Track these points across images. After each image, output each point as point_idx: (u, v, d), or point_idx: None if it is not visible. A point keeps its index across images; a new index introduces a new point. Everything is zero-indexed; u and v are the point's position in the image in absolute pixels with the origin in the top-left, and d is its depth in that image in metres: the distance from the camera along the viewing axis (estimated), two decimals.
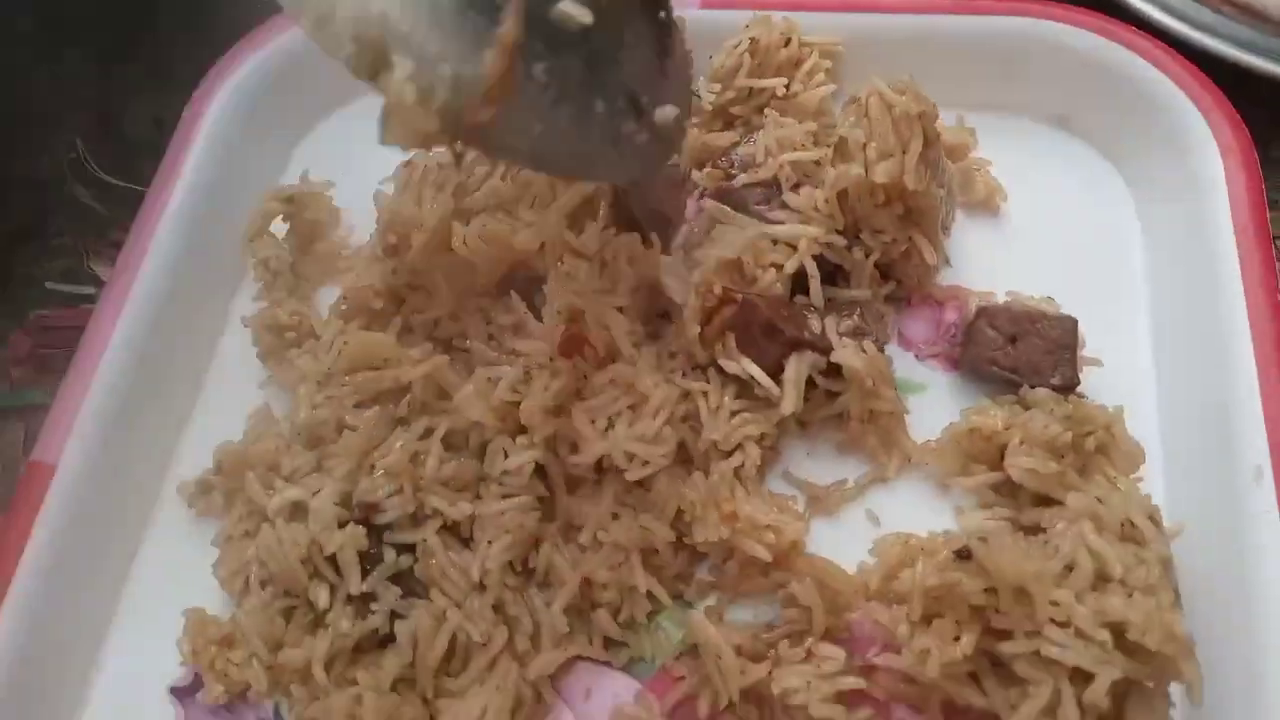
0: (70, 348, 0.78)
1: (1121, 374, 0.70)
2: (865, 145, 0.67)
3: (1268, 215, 0.69)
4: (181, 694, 0.67)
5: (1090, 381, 0.69)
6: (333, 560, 0.63)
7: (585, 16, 0.49)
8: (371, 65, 0.44)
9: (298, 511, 0.65)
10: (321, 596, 0.63)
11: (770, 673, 0.59)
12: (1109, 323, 0.72)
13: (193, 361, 0.78)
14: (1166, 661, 0.53)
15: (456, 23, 0.45)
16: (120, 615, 0.70)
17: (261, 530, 0.66)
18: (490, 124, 0.45)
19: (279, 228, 0.80)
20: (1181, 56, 0.78)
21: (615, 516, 0.64)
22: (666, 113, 0.57)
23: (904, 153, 0.65)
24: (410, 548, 0.64)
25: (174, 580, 0.70)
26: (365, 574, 0.63)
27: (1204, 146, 0.73)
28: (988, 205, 0.79)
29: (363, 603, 0.63)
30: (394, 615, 0.63)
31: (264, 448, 0.70)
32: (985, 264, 0.77)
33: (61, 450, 0.68)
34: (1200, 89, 0.76)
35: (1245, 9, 0.86)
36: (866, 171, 0.66)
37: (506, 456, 0.64)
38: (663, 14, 0.59)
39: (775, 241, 0.70)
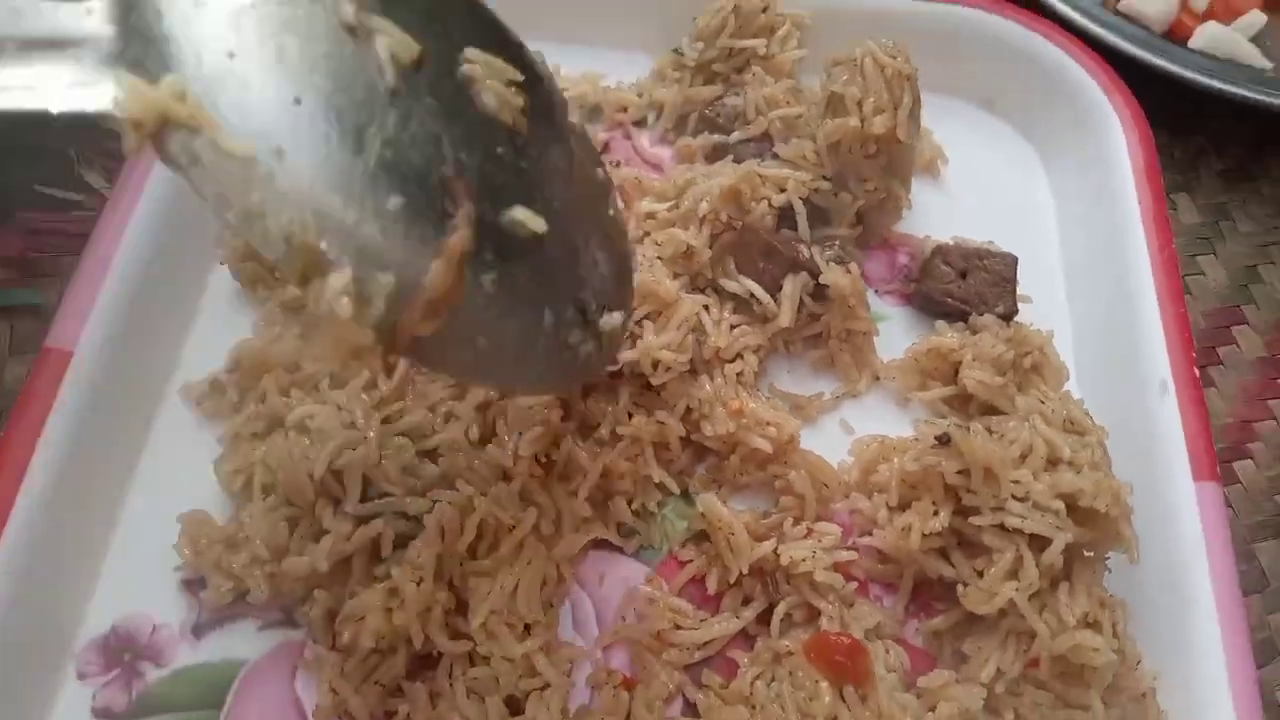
0: (57, 253, 0.78)
1: (1043, 308, 0.82)
2: (861, 101, 0.76)
3: (1162, 178, 0.83)
4: (191, 587, 0.68)
5: (1020, 314, 0.81)
6: (337, 476, 0.66)
7: (539, 225, 0.47)
8: (304, 271, 0.39)
9: (311, 433, 0.67)
10: (326, 514, 0.65)
11: (776, 549, 0.67)
12: (1031, 270, 0.84)
13: (198, 268, 0.79)
14: (1110, 525, 0.64)
15: (401, 228, 0.42)
16: (124, 513, 0.70)
17: (273, 437, 0.68)
18: (431, 338, 0.42)
19: None
20: (1089, 48, 0.91)
21: (630, 415, 0.70)
22: (614, 319, 0.54)
23: (896, 108, 0.75)
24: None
25: (175, 485, 0.71)
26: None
27: (1109, 124, 0.87)
28: (930, 169, 0.90)
29: (359, 521, 0.65)
30: (404, 516, 0.66)
31: (284, 348, 0.72)
32: (928, 217, 0.88)
33: (78, 336, 0.68)
34: (1105, 76, 0.89)
35: (1130, 17, 1.01)
36: (862, 124, 0.76)
37: None
38: (612, 211, 0.58)
39: (764, 181, 0.78)
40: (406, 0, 0.48)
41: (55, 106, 0.38)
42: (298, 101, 0.42)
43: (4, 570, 0.61)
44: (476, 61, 0.50)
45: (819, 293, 0.75)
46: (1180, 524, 0.69)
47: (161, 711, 0.64)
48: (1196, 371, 0.74)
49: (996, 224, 0.87)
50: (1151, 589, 0.69)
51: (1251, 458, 0.82)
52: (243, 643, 0.66)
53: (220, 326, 0.77)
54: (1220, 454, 0.81)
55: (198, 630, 0.67)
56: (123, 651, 0.66)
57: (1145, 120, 0.86)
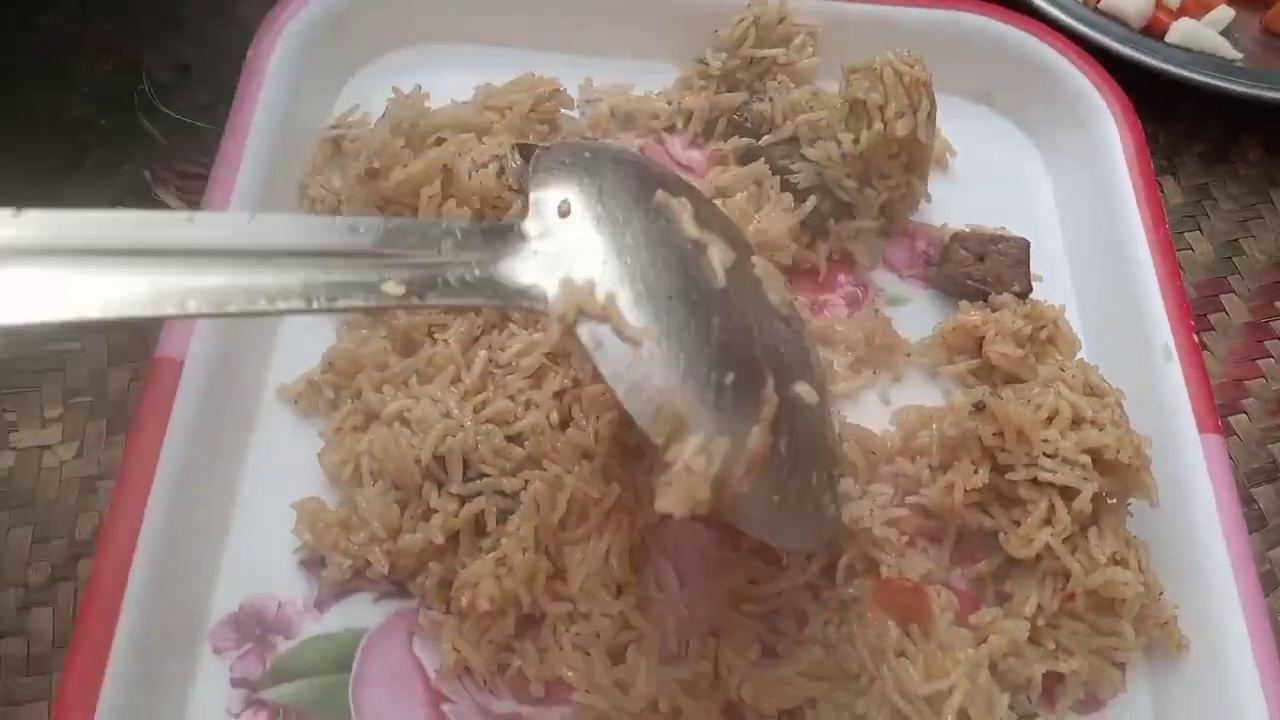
0: None
1: (1051, 287, 0.91)
2: (883, 106, 0.84)
3: (1151, 164, 0.92)
4: (309, 567, 0.75)
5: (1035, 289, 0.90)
6: (440, 461, 0.73)
7: (814, 396, 0.60)
8: (669, 434, 0.49)
9: (412, 423, 0.74)
10: (433, 495, 0.72)
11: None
12: (1036, 253, 0.92)
13: None
14: (1132, 474, 0.73)
15: (731, 400, 0.52)
16: (238, 505, 0.77)
17: (374, 428, 0.75)
18: (745, 495, 0.50)
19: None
20: (1078, 46, 1.00)
21: None
22: (848, 485, 0.69)
23: (915, 112, 0.83)
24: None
25: (280, 477, 0.78)
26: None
27: (1101, 116, 0.96)
28: (939, 162, 0.99)
29: (462, 500, 0.72)
30: (501, 494, 0.73)
31: (373, 349, 0.79)
32: (941, 207, 0.96)
33: (187, 345, 0.74)
34: (1094, 72, 0.98)
35: (1110, 15, 1.10)
36: (885, 128, 0.84)
37: None
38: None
39: (797, 185, 0.87)
40: (711, 220, 0.62)
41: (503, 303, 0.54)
42: (670, 298, 0.53)
43: (142, 564, 0.67)
44: (759, 266, 0.68)
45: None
46: (1190, 472, 0.78)
47: (296, 678, 0.71)
48: (1196, 338, 0.83)
49: (1003, 211, 0.95)
50: (1167, 531, 0.78)
51: (1245, 412, 0.91)
52: (362, 613, 0.73)
53: (302, 334, 0.83)
54: (1217, 410, 0.91)
55: (320, 604, 0.73)
56: (253, 627, 0.72)
57: (1133, 111, 0.95)
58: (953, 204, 0.96)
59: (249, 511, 0.76)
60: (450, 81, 0.95)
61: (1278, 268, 1.00)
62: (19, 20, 0.78)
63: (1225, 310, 0.97)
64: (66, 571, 0.74)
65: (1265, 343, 0.95)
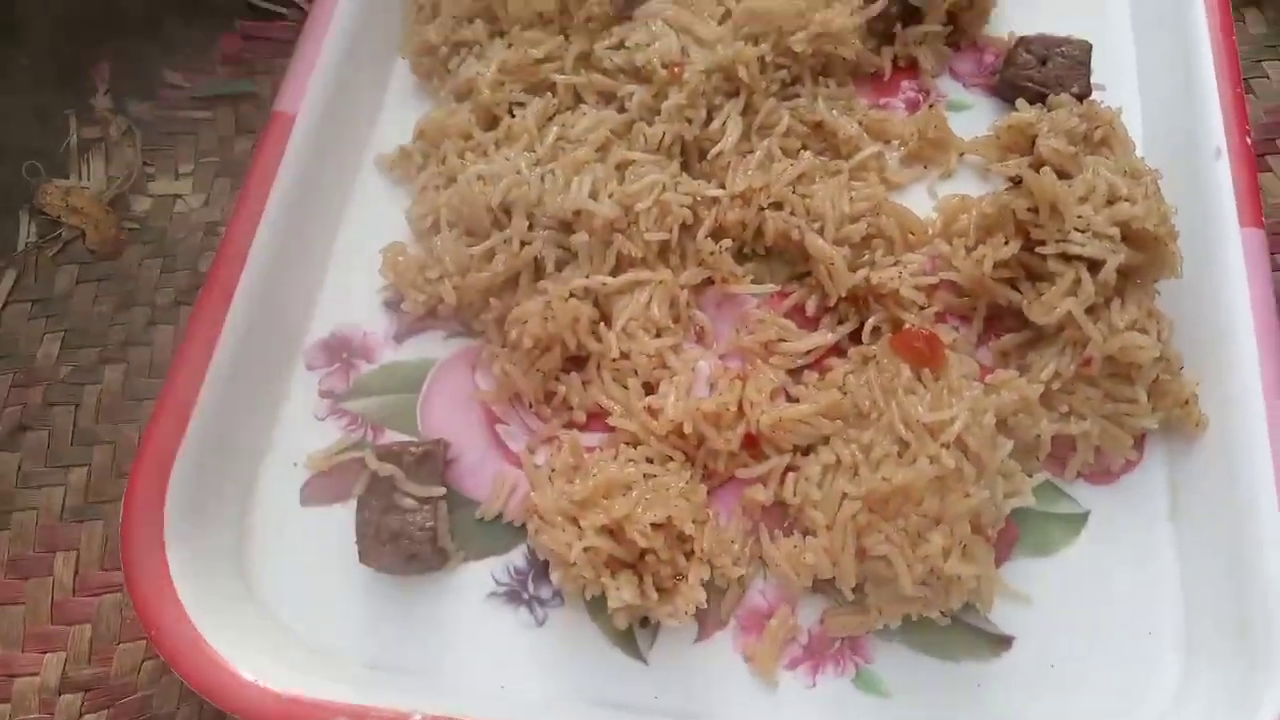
0: (269, 55, 0.95)
1: (1118, 93, 0.92)
2: None
3: None
4: (391, 306, 0.85)
5: (1098, 97, 0.91)
6: (506, 210, 0.81)
7: None
8: None
9: (485, 178, 0.82)
10: (499, 239, 0.81)
11: (869, 275, 0.80)
12: (1108, 62, 0.94)
13: (385, 60, 0.95)
14: (1158, 245, 0.75)
15: None
16: (336, 248, 0.87)
17: (456, 183, 0.83)
18: None
19: None
20: None
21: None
22: None
23: None
24: None
25: (374, 229, 0.88)
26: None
27: None
28: None
29: (523, 244, 0.80)
30: (560, 247, 0.81)
31: (459, 119, 0.88)
32: (1010, 23, 0.97)
33: (299, 104, 0.84)
34: None
35: None
36: None
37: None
38: None
39: None
40: None
41: None
42: None
43: (248, 290, 0.78)
44: None
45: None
46: (1227, 261, 0.79)
47: (373, 394, 0.82)
48: (1248, 140, 0.83)
49: (1081, 26, 0.95)
50: (1200, 317, 0.79)
51: None
52: (433, 346, 0.83)
53: (403, 110, 0.93)
54: (1274, 226, 0.91)
55: (398, 337, 0.84)
56: (340, 350, 0.83)
57: None
58: (1026, 21, 0.97)
59: (345, 255, 0.87)
60: None
61: None
62: None
63: None
64: (188, 298, 0.86)
65: None
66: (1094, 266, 0.76)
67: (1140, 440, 0.79)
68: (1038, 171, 0.84)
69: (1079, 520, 0.77)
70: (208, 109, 0.94)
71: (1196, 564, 0.74)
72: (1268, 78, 1.00)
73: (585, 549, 0.69)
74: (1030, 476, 0.75)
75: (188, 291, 0.86)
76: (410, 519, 0.72)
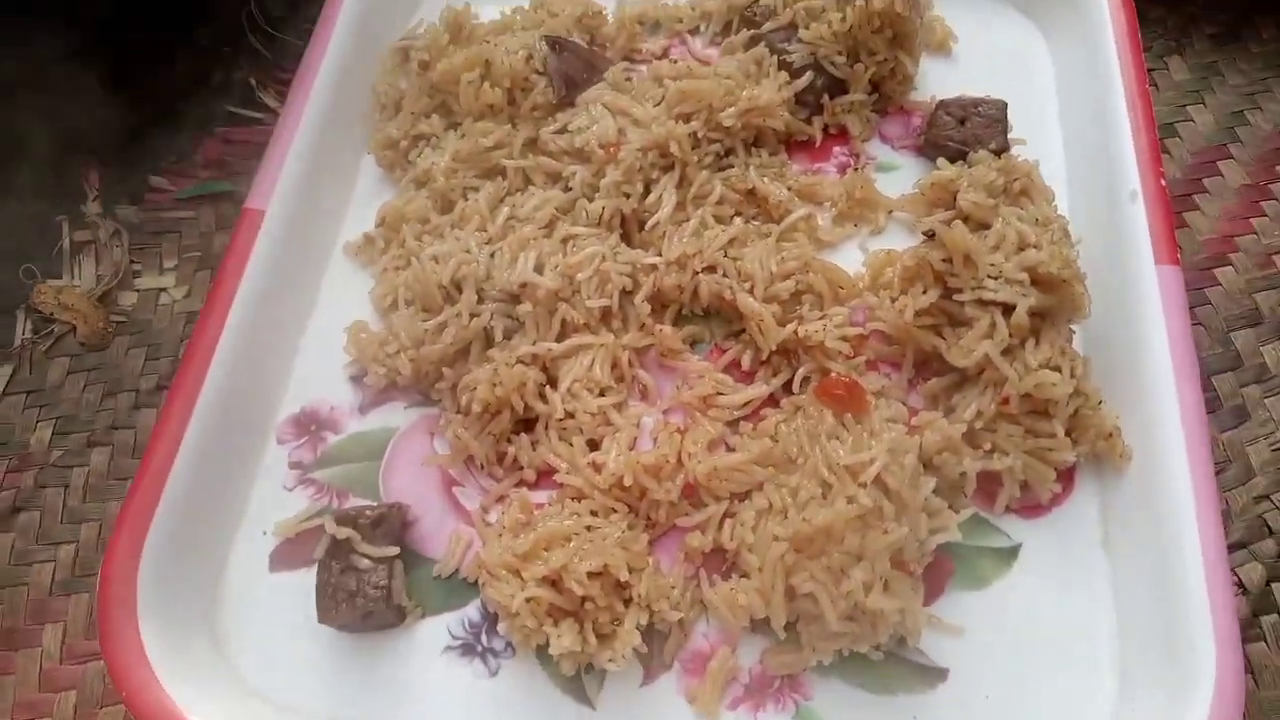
0: (246, 156, 1.03)
1: (1039, 148, 0.97)
2: None
3: (1140, 35, 0.96)
4: (356, 380, 0.90)
5: (1018, 151, 0.96)
6: (456, 285, 0.87)
7: None
8: None
9: (438, 258, 0.88)
10: (450, 313, 0.86)
11: (796, 329, 0.84)
12: (1034, 121, 0.99)
13: (352, 156, 1.02)
14: (1065, 287, 0.79)
15: None
16: (307, 331, 0.93)
17: (412, 264, 0.90)
18: None
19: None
20: None
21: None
22: None
23: None
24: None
25: (341, 311, 0.94)
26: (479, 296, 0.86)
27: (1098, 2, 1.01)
28: (943, 47, 1.06)
29: (472, 316, 0.85)
30: (508, 316, 0.86)
31: (416, 207, 0.94)
32: (943, 89, 1.03)
33: (269, 200, 0.91)
34: None
35: None
36: (866, 4, 0.93)
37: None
38: None
39: (793, 64, 0.97)
40: None
41: None
42: None
43: (223, 371, 0.84)
44: None
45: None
46: (1144, 298, 0.83)
47: (338, 464, 0.87)
48: (1162, 182, 0.87)
49: (1004, 89, 1.00)
50: (1120, 354, 0.83)
51: (1232, 265, 0.94)
52: (395, 416, 0.88)
53: (370, 200, 1.00)
54: (1201, 263, 0.95)
55: (363, 408, 0.89)
56: (309, 423, 0.88)
57: None
58: (956, 85, 1.03)
59: (316, 335, 0.93)
60: (508, 2, 1.09)
61: None
62: None
63: (1221, 174, 1.00)
64: (170, 383, 0.92)
65: (1262, 203, 0.97)
66: (1007, 310, 0.80)
67: (1070, 473, 0.82)
68: (964, 223, 0.89)
69: (1011, 553, 0.80)
70: (190, 209, 1.02)
71: (1128, 591, 0.77)
72: (1192, 121, 1.04)
73: (527, 599, 0.73)
74: (957, 512, 0.78)
75: (169, 377, 0.92)
76: (366, 578, 0.76)
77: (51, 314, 0.95)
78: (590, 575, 0.72)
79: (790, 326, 0.84)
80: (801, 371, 0.84)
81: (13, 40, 0.93)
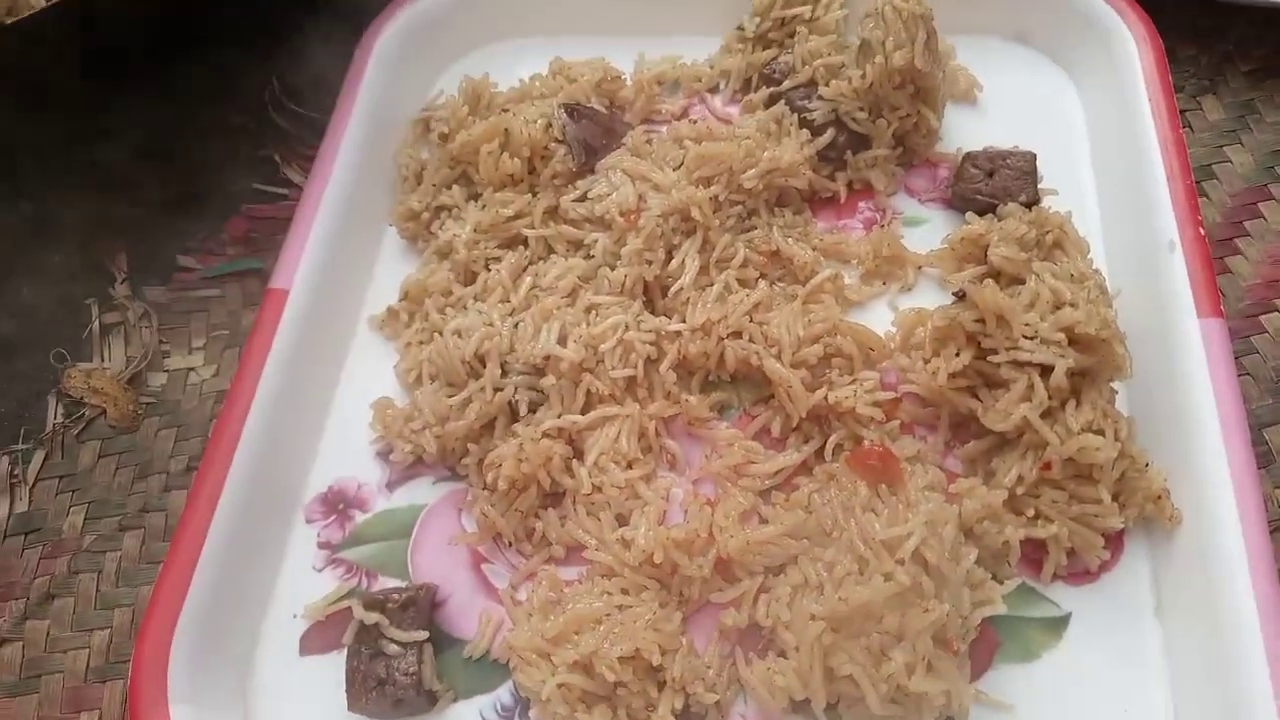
0: (272, 232, 1.03)
1: (1073, 198, 0.95)
2: (884, 40, 0.92)
3: (1170, 77, 0.94)
4: (383, 456, 0.90)
5: (1050, 203, 0.94)
6: (480, 359, 0.86)
7: None
8: None
9: (461, 332, 0.88)
10: (474, 388, 0.86)
11: (827, 395, 0.82)
12: (1065, 169, 0.98)
13: (374, 229, 1.03)
14: (1104, 346, 0.76)
15: None
16: (333, 408, 0.93)
17: (435, 339, 0.89)
18: None
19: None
20: None
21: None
22: None
23: (913, 42, 0.91)
24: None
25: (367, 386, 0.93)
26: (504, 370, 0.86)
27: (1124, 37, 0.99)
28: (967, 96, 1.04)
29: (496, 390, 0.85)
30: (532, 389, 0.85)
31: (439, 279, 0.94)
32: (970, 139, 1.01)
33: (292, 279, 0.91)
34: (1122, 2, 1.01)
35: None
36: (886, 61, 0.92)
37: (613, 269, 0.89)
38: None
39: (814, 121, 0.96)
40: None
41: None
42: None
43: (249, 452, 0.84)
44: None
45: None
46: (1188, 353, 0.80)
47: (367, 542, 0.86)
48: (1201, 230, 0.85)
49: (1033, 137, 0.99)
50: (1163, 412, 0.80)
51: (1278, 310, 0.91)
52: (422, 492, 0.88)
53: (393, 272, 1.00)
54: (1246, 310, 0.92)
55: (390, 485, 0.88)
56: (336, 502, 0.88)
57: (1155, 30, 0.98)
58: (981, 135, 1.01)
59: (342, 411, 0.93)
60: (527, 70, 1.10)
61: None
62: (193, 44, 0.99)
63: (1264, 216, 0.96)
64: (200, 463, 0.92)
65: None
66: (1045, 372, 0.77)
67: (1119, 536, 0.79)
68: (996, 279, 0.87)
69: (1060, 623, 0.77)
70: (217, 287, 1.03)
71: (1183, 660, 0.73)
72: (1230, 162, 1.01)
73: (559, 685, 0.71)
74: (1003, 583, 0.76)
75: (199, 458, 0.92)
76: (395, 664, 0.75)
77: (82, 398, 0.95)
78: (622, 660, 0.71)
79: (820, 392, 0.83)
80: (834, 439, 0.82)
81: (37, 122, 0.95)
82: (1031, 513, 0.77)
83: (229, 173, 1.08)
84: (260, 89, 1.12)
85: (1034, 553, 0.78)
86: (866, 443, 0.80)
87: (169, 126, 1.05)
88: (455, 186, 1.00)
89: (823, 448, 0.83)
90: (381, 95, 1.07)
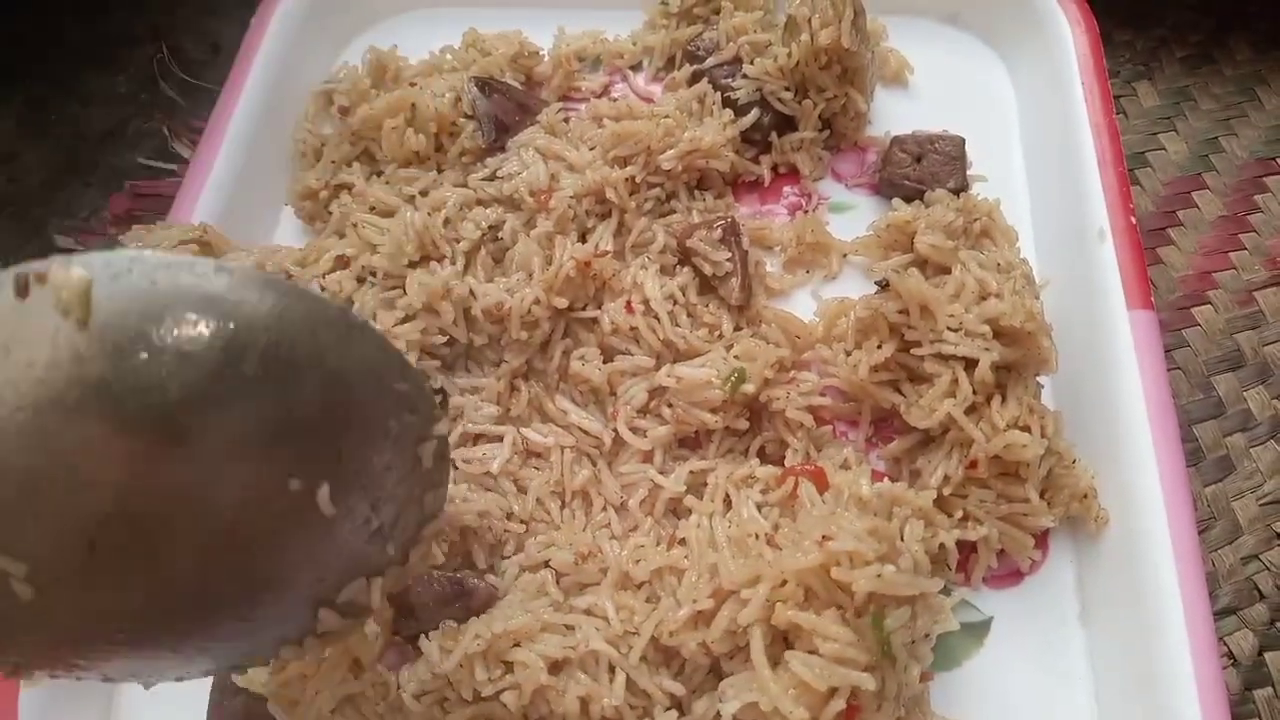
0: (158, 211, 0.96)
1: (1003, 184, 0.92)
2: (810, 18, 0.87)
3: (1105, 63, 0.91)
4: None
5: (979, 189, 0.90)
6: None
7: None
8: None
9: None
10: None
11: (760, 393, 0.78)
12: (995, 154, 0.94)
13: (269, 211, 0.96)
14: (1029, 340, 0.73)
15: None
16: None
17: None
18: None
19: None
20: None
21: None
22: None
23: (840, 20, 0.86)
24: None
25: None
26: None
27: (1058, 21, 0.95)
28: (898, 78, 1.00)
29: None
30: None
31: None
32: (900, 122, 0.97)
33: None
34: None
35: None
36: (812, 39, 0.87)
37: None
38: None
39: (738, 101, 0.91)
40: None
41: None
42: None
43: None
44: None
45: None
46: (1116, 346, 0.77)
47: None
48: (1133, 219, 0.82)
49: (964, 122, 0.95)
50: (1092, 405, 0.77)
51: (1210, 303, 0.88)
52: None
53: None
54: (1177, 302, 0.89)
55: None
56: None
57: (1090, 13, 0.94)
58: (912, 118, 0.97)
59: None
60: (440, 43, 1.03)
61: (1260, 163, 0.96)
62: (80, 10, 0.91)
63: (1197, 206, 0.94)
64: None
65: (1240, 235, 0.92)
66: (969, 365, 0.74)
67: (1043, 537, 0.76)
68: (923, 268, 0.83)
69: (982, 628, 0.73)
70: None
71: (1107, 666, 0.71)
72: (1164, 149, 0.99)
73: None
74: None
75: None
76: None
77: None
78: None
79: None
80: (759, 441, 0.78)
81: None
82: (960, 514, 0.73)
83: (112, 146, 1.00)
84: (150, 56, 1.04)
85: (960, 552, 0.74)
86: (791, 454, 0.76)
87: (48, 94, 0.97)
88: (356, 164, 0.93)
89: (747, 449, 0.78)
90: (280, 65, 1.00)
